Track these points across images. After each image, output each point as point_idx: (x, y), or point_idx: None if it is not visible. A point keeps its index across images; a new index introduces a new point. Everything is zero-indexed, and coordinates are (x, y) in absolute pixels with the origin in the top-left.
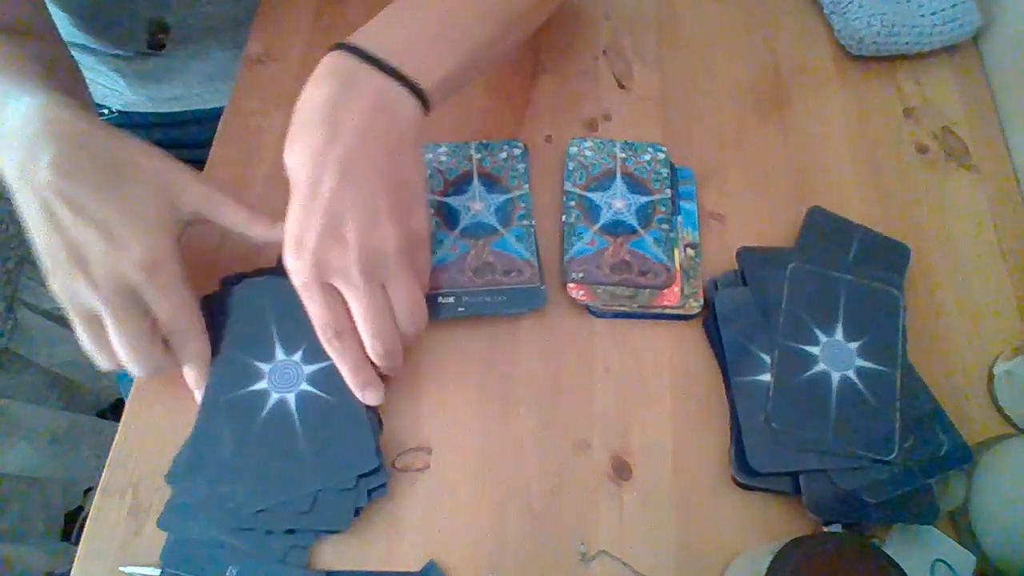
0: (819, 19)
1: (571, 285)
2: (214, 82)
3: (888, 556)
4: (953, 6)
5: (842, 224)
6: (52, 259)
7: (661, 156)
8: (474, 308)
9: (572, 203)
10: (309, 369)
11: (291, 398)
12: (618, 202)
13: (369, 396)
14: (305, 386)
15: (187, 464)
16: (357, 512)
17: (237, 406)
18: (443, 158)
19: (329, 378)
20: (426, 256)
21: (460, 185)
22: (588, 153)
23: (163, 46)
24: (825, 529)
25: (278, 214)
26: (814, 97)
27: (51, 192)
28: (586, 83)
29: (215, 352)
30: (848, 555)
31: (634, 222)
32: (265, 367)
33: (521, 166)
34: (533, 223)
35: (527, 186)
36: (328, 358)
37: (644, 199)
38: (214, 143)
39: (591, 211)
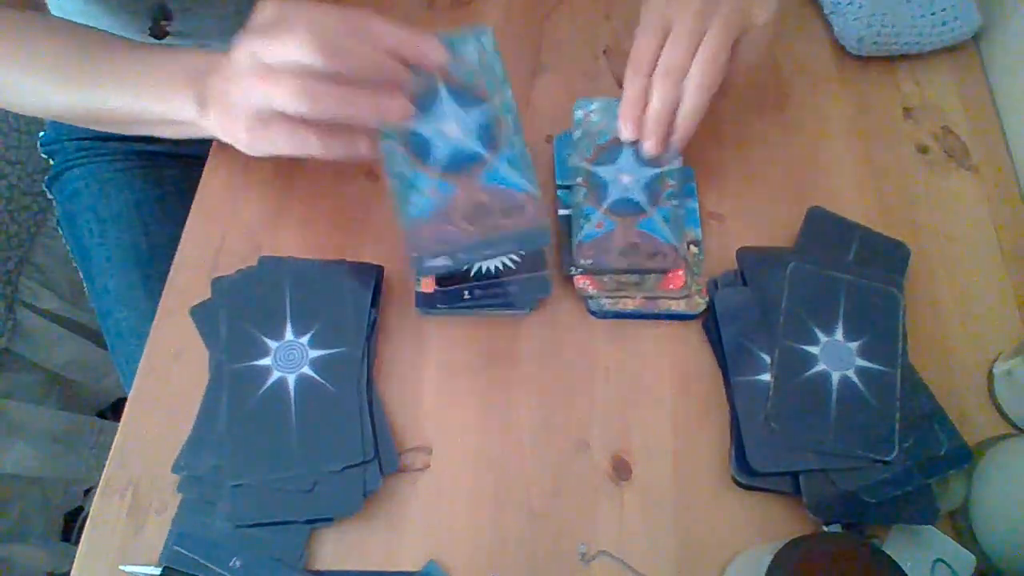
0: (819, 19)
1: (577, 276)
2: None
3: (888, 556)
4: (953, 6)
5: (842, 224)
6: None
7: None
8: (473, 258)
9: (579, 179)
10: (314, 354)
11: (291, 379)
12: (625, 176)
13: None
14: (307, 370)
15: (192, 435)
16: (366, 494)
17: (238, 378)
18: None
19: (332, 366)
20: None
21: (424, 102)
22: (594, 117)
23: (165, 34)
24: (825, 529)
25: (277, 215)
26: (814, 97)
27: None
28: (586, 83)
29: (229, 324)
30: (848, 555)
31: (642, 199)
32: (273, 344)
33: (497, 65)
34: (524, 140)
35: (509, 91)
36: (334, 346)
37: (652, 172)
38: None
39: (598, 189)
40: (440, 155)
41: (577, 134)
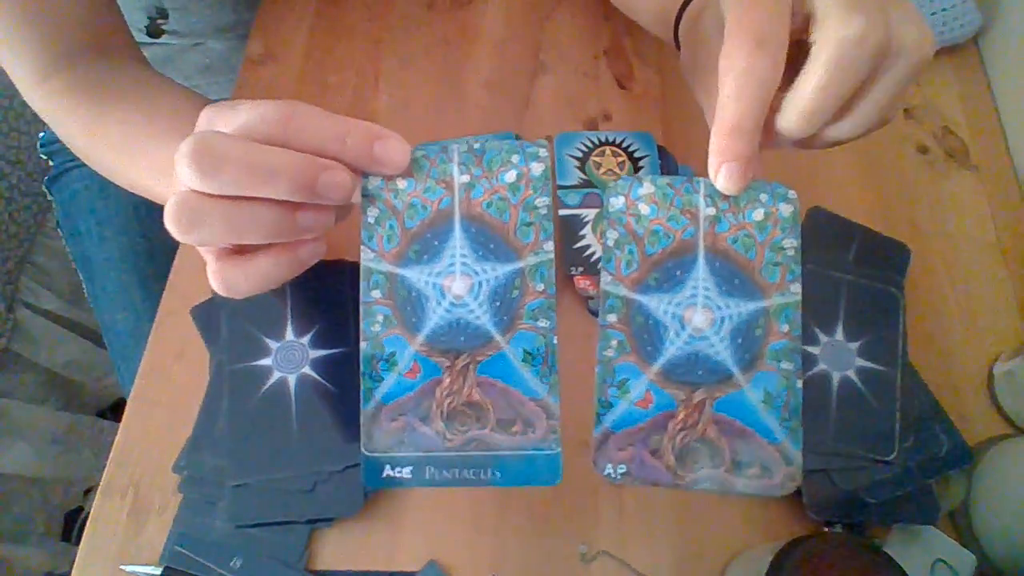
0: None
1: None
2: (213, 75)
3: (888, 556)
4: (953, 6)
5: (842, 224)
6: None
7: (787, 211)
8: (445, 482)
9: (612, 317)
10: (315, 354)
11: (292, 379)
12: (698, 315)
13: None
14: (307, 370)
15: (193, 435)
16: (366, 494)
17: (238, 378)
18: (401, 184)
19: (333, 366)
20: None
21: (429, 238)
22: (645, 209)
23: (161, 33)
24: (825, 529)
25: None
26: None
27: None
28: (586, 83)
29: (230, 324)
30: (848, 555)
31: (728, 357)
32: (273, 344)
33: (543, 200)
34: (555, 323)
35: (551, 243)
36: (335, 346)
37: (750, 306)
38: None
39: (647, 334)
40: (432, 321)
41: (612, 236)
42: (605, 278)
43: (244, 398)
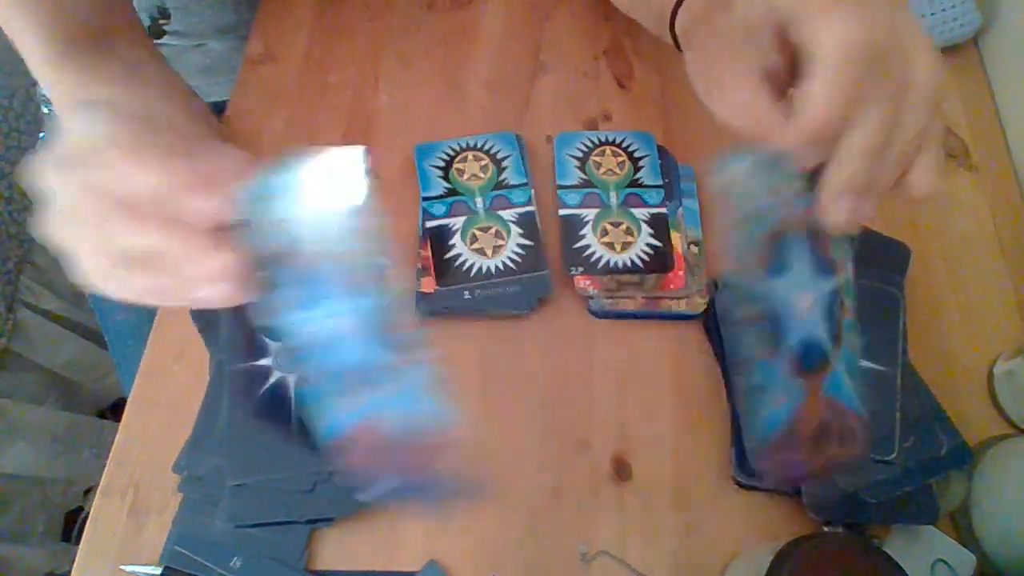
0: None
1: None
2: (213, 75)
3: (888, 556)
4: (953, 6)
5: None
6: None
7: None
8: (416, 494)
9: (746, 311)
10: None
11: (292, 379)
12: (805, 297)
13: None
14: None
15: (193, 435)
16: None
17: (238, 378)
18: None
19: None
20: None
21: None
22: (753, 183)
23: (163, 33)
24: (825, 529)
25: None
26: None
27: None
28: (586, 83)
29: (230, 325)
30: (848, 555)
31: (825, 337)
32: (273, 344)
33: (350, 242)
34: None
35: (383, 296)
36: None
37: (831, 284)
38: None
39: (772, 324)
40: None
41: (737, 214)
42: (729, 276)
43: (244, 398)
